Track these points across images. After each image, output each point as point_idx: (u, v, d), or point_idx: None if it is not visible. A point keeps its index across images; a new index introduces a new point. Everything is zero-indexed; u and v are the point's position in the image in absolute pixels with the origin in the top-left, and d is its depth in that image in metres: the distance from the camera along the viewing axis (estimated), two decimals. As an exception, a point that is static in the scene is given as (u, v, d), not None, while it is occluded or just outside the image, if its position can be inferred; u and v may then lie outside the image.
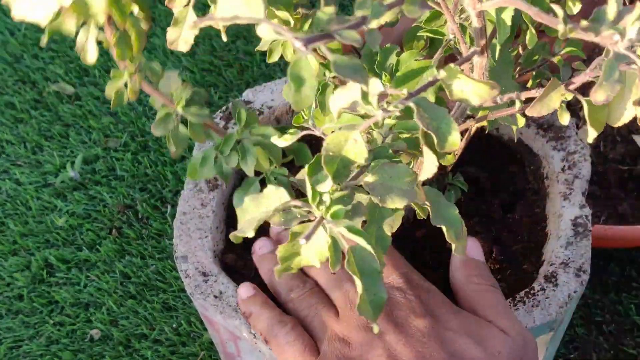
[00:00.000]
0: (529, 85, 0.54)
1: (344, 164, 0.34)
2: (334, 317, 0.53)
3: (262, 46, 0.50)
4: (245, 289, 0.57)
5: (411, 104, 0.32)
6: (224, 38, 0.46)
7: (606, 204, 0.91)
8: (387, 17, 0.30)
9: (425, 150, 0.34)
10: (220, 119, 0.69)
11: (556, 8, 0.30)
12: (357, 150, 0.34)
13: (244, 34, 1.21)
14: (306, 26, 0.49)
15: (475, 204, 0.64)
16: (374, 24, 0.28)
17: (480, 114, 0.50)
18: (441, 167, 0.61)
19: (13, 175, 1.09)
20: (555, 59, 0.50)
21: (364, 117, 0.33)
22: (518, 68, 0.51)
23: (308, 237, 0.33)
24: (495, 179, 0.67)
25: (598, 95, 0.33)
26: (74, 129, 1.13)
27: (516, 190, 0.66)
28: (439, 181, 0.62)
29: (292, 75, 0.27)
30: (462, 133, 0.56)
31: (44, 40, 0.44)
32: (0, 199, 1.07)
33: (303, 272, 0.57)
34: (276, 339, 0.53)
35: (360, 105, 0.32)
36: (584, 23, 0.31)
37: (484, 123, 0.50)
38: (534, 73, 0.52)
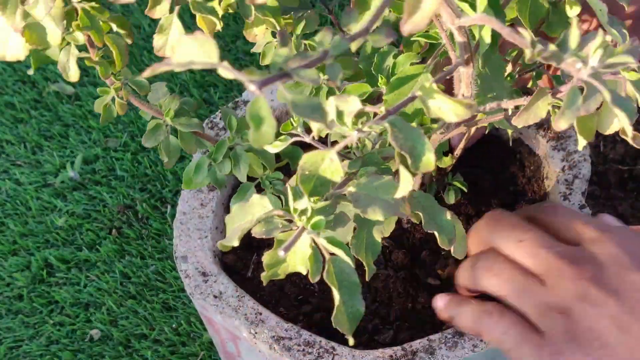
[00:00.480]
0: (529, 85, 0.54)
1: (321, 182, 0.34)
2: (540, 285, 0.49)
3: (257, 48, 0.50)
4: (441, 299, 0.54)
5: (385, 124, 0.32)
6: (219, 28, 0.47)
7: (606, 204, 0.91)
8: (353, 47, 0.30)
9: (401, 169, 0.34)
10: (220, 118, 0.69)
11: (523, 32, 0.30)
12: (333, 169, 0.34)
13: (244, 34, 1.21)
14: (298, 29, 0.49)
15: (475, 204, 0.64)
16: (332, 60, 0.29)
17: (479, 116, 0.50)
18: (441, 168, 0.61)
19: (13, 175, 1.09)
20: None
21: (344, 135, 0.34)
22: (518, 68, 0.51)
23: (287, 249, 0.33)
24: (495, 179, 0.67)
25: (560, 124, 0.33)
26: (74, 129, 1.13)
27: (516, 190, 0.66)
28: (439, 181, 0.62)
29: (251, 115, 0.27)
30: (460, 136, 0.56)
31: (31, 70, 0.45)
32: (0, 199, 1.07)
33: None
34: (488, 329, 0.50)
35: (336, 125, 0.32)
36: (551, 47, 0.30)
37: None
38: (534, 73, 0.52)
